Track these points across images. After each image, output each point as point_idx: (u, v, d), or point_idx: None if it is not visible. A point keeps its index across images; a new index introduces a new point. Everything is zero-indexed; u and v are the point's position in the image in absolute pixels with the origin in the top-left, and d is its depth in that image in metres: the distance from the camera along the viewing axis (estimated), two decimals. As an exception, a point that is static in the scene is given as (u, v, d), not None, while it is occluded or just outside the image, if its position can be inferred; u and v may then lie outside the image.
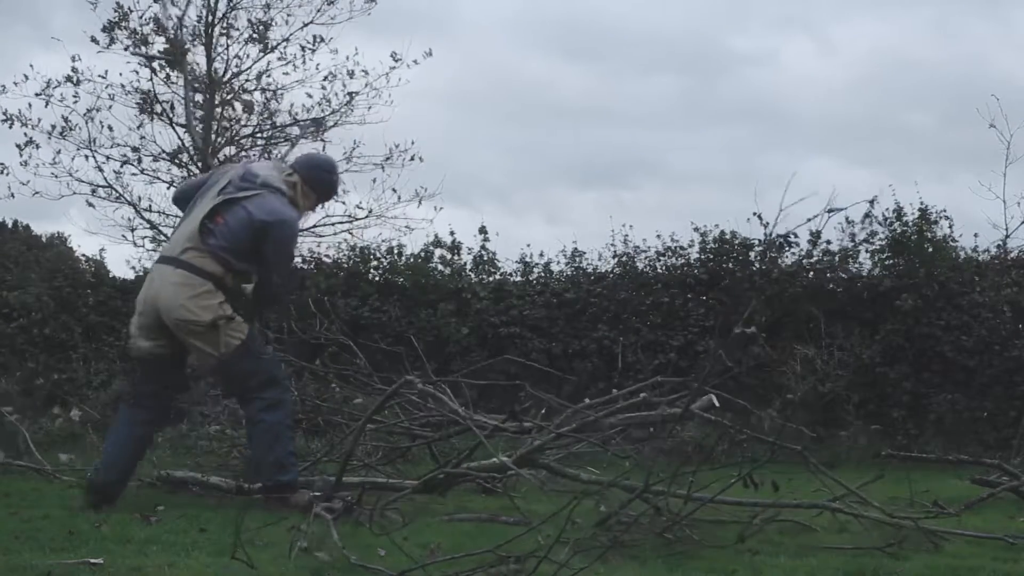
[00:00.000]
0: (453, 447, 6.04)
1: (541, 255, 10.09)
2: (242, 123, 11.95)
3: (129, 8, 11.25)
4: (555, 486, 5.10)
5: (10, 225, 16.67)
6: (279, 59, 11.69)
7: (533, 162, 25.89)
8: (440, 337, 9.35)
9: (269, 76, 11.75)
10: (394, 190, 11.80)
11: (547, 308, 9.54)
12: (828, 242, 9.52)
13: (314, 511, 4.13)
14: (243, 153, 11.77)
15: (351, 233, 11.70)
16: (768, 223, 9.47)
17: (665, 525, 4.08)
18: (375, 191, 12.34)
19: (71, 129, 11.26)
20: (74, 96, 11.27)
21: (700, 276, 9.61)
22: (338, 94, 11.78)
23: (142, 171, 11.62)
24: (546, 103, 25.13)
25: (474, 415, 5.23)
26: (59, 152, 11.30)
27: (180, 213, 5.25)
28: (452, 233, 10.17)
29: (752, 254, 9.58)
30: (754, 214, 9.50)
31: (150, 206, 11.69)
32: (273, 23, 11.53)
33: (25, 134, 11.29)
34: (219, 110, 11.70)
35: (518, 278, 10.02)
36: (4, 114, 11.28)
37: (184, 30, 11.34)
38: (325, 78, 11.75)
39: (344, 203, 11.95)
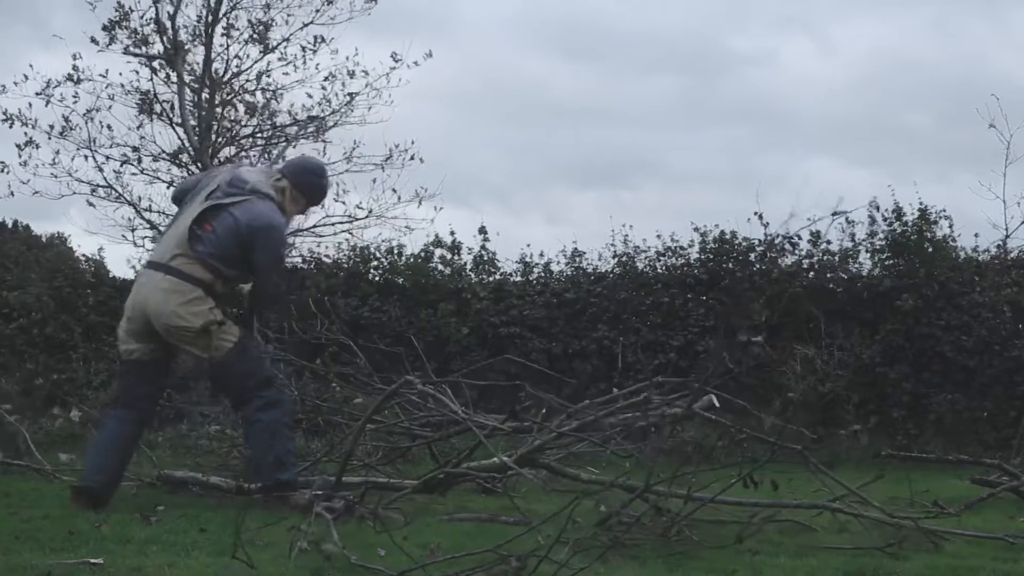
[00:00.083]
0: (453, 447, 6.04)
1: (541, 255, 10.11)
2: (242, 123, 11.96)
3: (130, 8, 11.27)
4: (555, 486, 5.10)
5: (10, 225, 16.69)
6: (279, 59, 11.71)
7: (533, 162, 25.92)
8: (440, 337, 9.35)
9: (269, 76, 11.76)
10: (394, 190, 11.81)
11: (547, 308, 9.54)
12: (828, 242, 9.55)
13: (315, 510, 4.13)
14: (243, 153, 11.78)
15: (351, 233, 11.71)
16: (768, 223, 9.52)
17: (665, 525, 4.08)
18: (375, 191, 12.34)
19: (71, 129, 11.27)
20: (74, 96, 11.28)
21: (700, 276, 9.61)
22: (338, 94, 11.79)
23: (142, 171, 11.63)
24: (546, 103, 25.15)
25: (474, 415, 5.23)
26: (59, 152, 11.32)
27: (178, 212, 5.25)
28: (452, 233, 10.20)
29: (752, 254, 9.58)
30: (755, 214, 9.55)
31: (150, 206, 11.70)
32: (273, 23, 11.55)
33: (25, 134, 11.31)
34: (219, 110, 11.70)
35: (518, 278, 10.03)
36: (4, 114, 11.30)
37: (183, 29, 11.35)
38: (325, 78, 11.76)
39: (344, 203, 11.97)
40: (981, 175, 17.60)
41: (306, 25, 11.56)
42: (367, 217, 11.82)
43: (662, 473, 4.38)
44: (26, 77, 11.17)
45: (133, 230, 11.78)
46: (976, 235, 9.84)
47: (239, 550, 3.25)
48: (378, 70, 11.77)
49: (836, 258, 9.55)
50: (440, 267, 10.03)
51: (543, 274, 10.01)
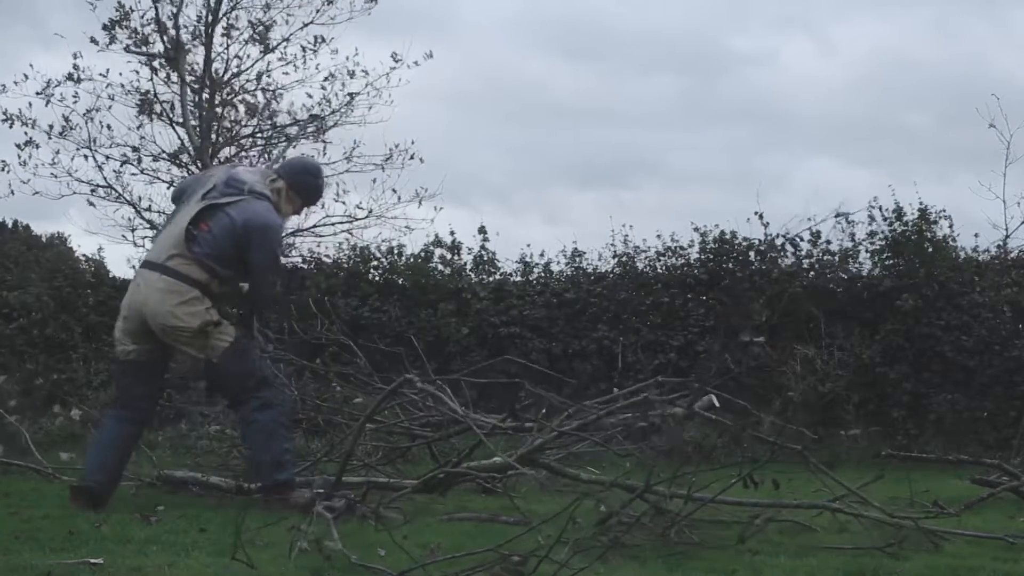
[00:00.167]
0: (453, 447, 6.04)
1: (541, 255, 10.10)
2: (242, 123, 11.96)
3: (130, 8, 11.27)
4: (555, 486, 5.10)
5: (10, 225, 16.69)
6: (279, 59, 11.71)
7: (533, 162, 25.92)
8: (440, 337, 9.35)
9: (269, 76, 11.77)
10: (394, 190, 11.82)
11: (547, 308, 9.54)
12: (828, 242, 9.55)
13: (315, 510, 4.13)
14: (243, 153, 11.79)
15: (351, 233, 11.72)
16: (768, 223, 9.53)
17: (665, 525, 4.08)
18: (375, 191, 12.36)
19: (71, 129, 11.28)
20: (74, 96, 11.29)
21: (700, 276, 9.61)
22: (338, 94, 11.80)
23: (142, 171, 11.64)
24: (546, 103, 25.15)
25: (473, 414, 5.23)
26: (58, 152, 11.32)
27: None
28: (452, 233, 10.19)
29: (752, 254, 9.59)
30: (755, 214, 9.55)
31: (150, 206, 11.71)
32: (274, 23, 11.55)
33: (25, 133, 11.31)
34: (219, 110, 11.71)
35: (518, 278, 10.02)
36: (4, 114, 11.30)
37: (183, 29, 11.35)
38: (325, 78, 11.77)
39: (344, 203, 11.99)
40: (981, 175, 17.65)
41: (306, 25, 11.59)
42: (367, 217, 11.84)
43: (662, 473, 4.38)
44: (26, 77, 11.20)
45: (133, 230, 11.81)
46: (976, 235, 9.87)
47: (239, 550, 3.25)
48: (378, 70, 11.80)
49: (836, 258, 9.55)
50: (440, 267, 10.03)
51: (543, 274, 10.01)
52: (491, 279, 10.01)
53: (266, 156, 11.63)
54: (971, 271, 9.35)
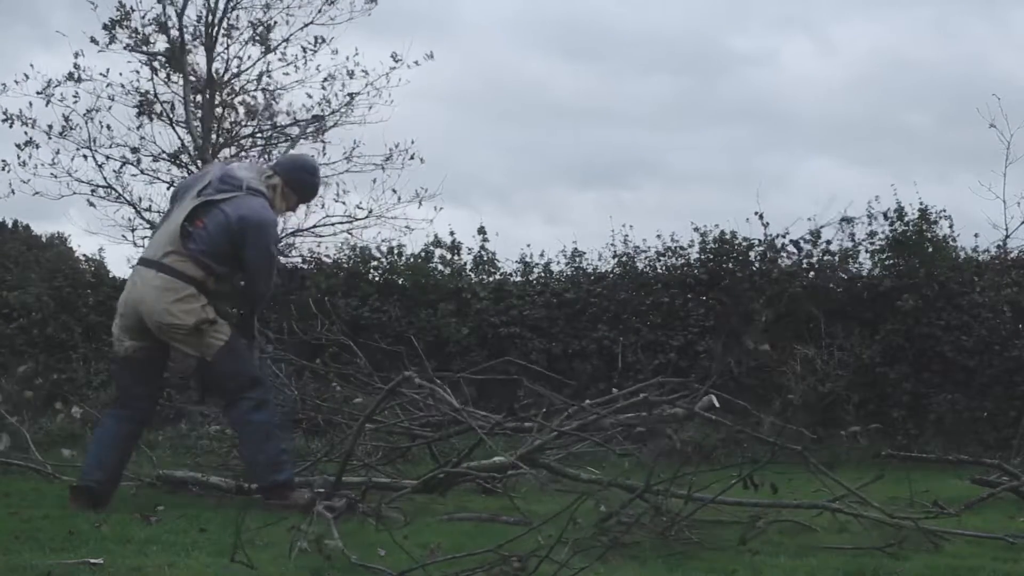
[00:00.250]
0: (453, 447, 6.04)
1: (541, 255, 10.09)
2: (242, 123, 11.97)
3: (131, 7, 11.28)
4: (555, 486, 5.10)
5: (10, 225, 16.69)
6: (280, 60, 11.72)
7: (533, 162, 25.92)
8: (440, 337, 9.35)
9: (270, 77, 11.78)
10: (394, 190, 11.85)
11: (547, 308, 9.53)
12: (828, 242, 9.54)
13: (315, 510, 4.13)
14: (243, 153, 11.79)
15: (351, 233, 11.74)
16: (768, 223, 9.53)
17: (665, 525, 4.08)
18: (375, 191, 12.39)
19: (71, 129, 11.29)
20: (74, 96, 11.30)
21: (700, 276, 9.60)
22: (338, 94, 11.82)
23: (141, 171, 11.65)
24: (546, 103, 25.14)
25: (473, 413, 5.23)
26: (58, 152, 11.34)
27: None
28: (452, 233, 10.18)
29: (752, 254, 9.58)
30: (755, 214, 9.55)
31: (150, 206, 11.72)
32: (274, 24, 11.56)
33: (25, 133, 11.33)
34: (219, 110, 11.71)
35: (518, 278, 10.02)
36: (4, 113, 11.31)
37: (184, 30, 11.35)
38: (325, 79, 11.78)
39: (344, 203, 12.01)
40: (981, 175, 17.64)
41: (306, 25, 11.61)
42: (367, 217, 11.88)
43: (662, 473, 4.38)
44: (27, 76, 11.22)
45: (133, 230, 11.85)
46: (976, 235, 9.85)
47: (239, 550, 3.25)
48: (378, 70, 11.82)
49: (836, 258, 9.55)
50: (440, 267, 10.03)
51: (543, 274, 10.00)
52: (491, 279, 10.01)
53: (266, 156, 11.64)
54: (971, 271, 9.35)
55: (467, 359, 9.05)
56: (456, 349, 9.35)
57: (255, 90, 11.82)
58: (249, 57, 11.72)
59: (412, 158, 11.90)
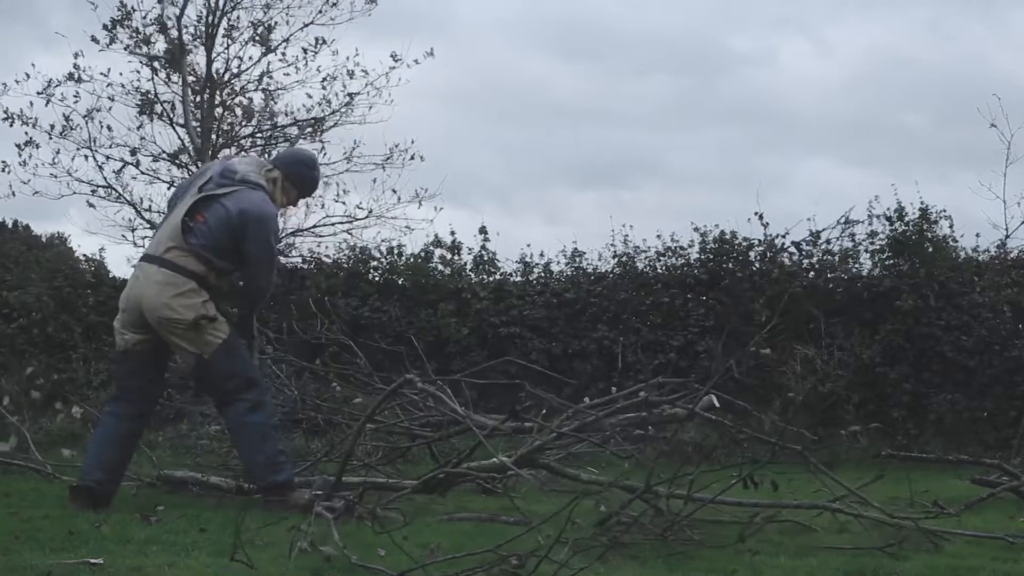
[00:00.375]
0: (453, 447, 6.04)
1: (541, 255, 10.10)
2: (242, 124, 11.97)
3: (132, 7, 11.27)
4: (555, 486, 5.10)
5: (10, 225, 16.69)
6: (280, 60, 11.72)
7: (533, 162, 25.91)
8: (440, 337, 9.35)
9: (270, 77, 11.78)
10: (394, 190, 11.84)
11: (547, 308, 9.54)
12: (828, 242, 9.54)
13: (315, 510, 4.13)
14: (243, 153, 11.78)
15: (351, 233, 11.73)
16: (768, 223, 9.53)
17: (665, 525, 4.08)
18: (375, 191, 12.40)
19: (71, 129, 11.28)
20: (75, 96, 11.29)
21: (700, 276, 9.61)
22: (338, 94, 11.80)
23: (141, 172, 11.65)
24: (545, 103, 25.15)
25: (474, 415, 5.23)
26: (58, 152, 11.33)
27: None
28: (452, 233, 10.19)
29: (752, 254, 9.59)
30: (755, 214, 9.55)
31: (150, 206, 11.71)
32: (275, 24, 11.56)
33: (25, 133, 11.32)
34: (219, 110, 11.71)
35: (518, 278, 10.02)
36: (5, 113, 11.30)
37: (184, 30, 11.35)
38: (324, 79, 11.77)
39: (344, 203, 12.01)
40: (981, 175, 17.65)
41: (306, 26, 11.59)
42: (367, 217, 11.86)
43: (662, 473, 4.38)
44: (27, 76, 11.21)
45: (133, 230, 11.83)
46: (976, 235, 9.87)
47: (239, 550, 3.25)
48: (378, 70, 11.81)
49: (836, 258, 9.55)
50: (440, 267, 10.03)
51: (543, 274, 10.00)
52: (491, 279, 10.01)
53: (266, 156, 11.62)
54: (971, 271, 9.35)
55: (467, 359, 9.06)
56: (456, 349, 9.36)
57: (255, 90, 11.83)
58: (250, 58, 11.72)
59: (412, 158, 11.89)
